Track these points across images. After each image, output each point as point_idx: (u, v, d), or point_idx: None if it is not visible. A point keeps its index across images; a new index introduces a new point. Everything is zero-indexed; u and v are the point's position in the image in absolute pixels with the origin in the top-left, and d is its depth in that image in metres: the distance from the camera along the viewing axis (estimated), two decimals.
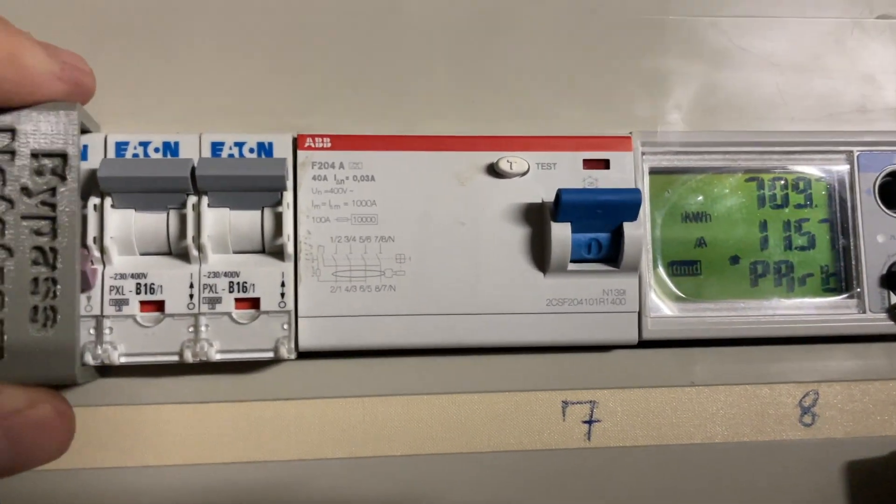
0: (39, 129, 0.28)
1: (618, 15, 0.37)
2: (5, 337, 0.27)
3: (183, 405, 0.33)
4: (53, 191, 0.28)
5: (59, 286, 0.28)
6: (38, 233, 0.28)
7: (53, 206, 0.28)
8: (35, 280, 0.28)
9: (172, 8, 0.35)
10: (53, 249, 0.28)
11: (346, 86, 0.35)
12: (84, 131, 0.31)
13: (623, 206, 0.33)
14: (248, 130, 0.33)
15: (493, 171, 0.34)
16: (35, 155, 0.28)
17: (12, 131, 0.28)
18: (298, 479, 0.33)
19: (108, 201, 0.31)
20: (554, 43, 0.36)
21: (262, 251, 0.32)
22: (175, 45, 0.34)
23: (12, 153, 0.28)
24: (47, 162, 0.28)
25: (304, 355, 0.33)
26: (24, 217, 0.28)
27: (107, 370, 0.32)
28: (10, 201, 0.28)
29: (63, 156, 0.28)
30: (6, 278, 0.28)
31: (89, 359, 0.30)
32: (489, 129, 0.35)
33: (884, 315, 0.35)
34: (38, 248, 0.28)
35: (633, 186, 0.34)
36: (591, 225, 0.33)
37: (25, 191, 0.28)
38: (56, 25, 0.34)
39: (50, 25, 0.34)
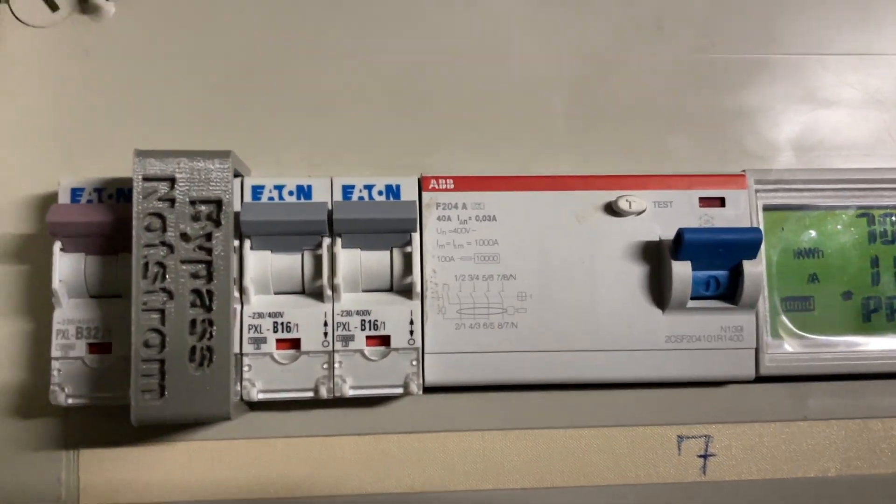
0: (196, 178, 0.29)
1: (726, 54, 0.37)
2: (166, 376, 0.29)
3: (313, 438, 0.34)
4: (209, 235, 0.29)
5: (214, 327, 0.29)
6: (196, 276, 0.29)
7: (209, 251, 0.29)
8: (193, 322, 0.29)
9: (299, 56, 0.36)
10: (210, 292, 0.29)
11: (465, 126, 0.36)
12: (236, 175, 0.32)
13: (744, 244, 0.33)
14: (371, 172, 0.34)
15: (611, 209, 0.34)
16: (193, 202, 0.29)
17: (171, 180, 0.29)
18: None
19: (247, 244, 0.32)
20: (664, 82, 0.37)
21: (391, 290, 0.33)
22: (302, 92, 0.36)
23: (172, 201, 0.29)
24: (203, 208, 0.29)
25: (428, 390, 0.34)
26: (183, 262, 0.29)
27: (251, 406, 0.34)
28: (171, 246, 0.29)
29: (218, 202, 0.29)
30: (167, 320, 0.29)
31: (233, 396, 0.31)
32: (604, 167, 0.36)
33: None
34: (196, 291, 0.29)
35: (748, 224, 0.35)
36: (710, 263, 0.34)
37: (184, 236, 0.29)
38: (192, 75, 0.36)
39: (186, 76, 0.35)
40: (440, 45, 0.37)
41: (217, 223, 0.29)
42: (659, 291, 0.34)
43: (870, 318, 0.36)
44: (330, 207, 0.32)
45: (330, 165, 0.35)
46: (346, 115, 0.36)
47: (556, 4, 0.37)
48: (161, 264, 0.29)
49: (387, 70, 0.36)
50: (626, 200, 0.34)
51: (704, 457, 0.36)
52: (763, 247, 0.35)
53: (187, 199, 0.29)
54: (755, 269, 0.33)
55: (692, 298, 0.34)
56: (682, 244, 0.33)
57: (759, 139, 0.37)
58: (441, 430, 0.35)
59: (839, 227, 0.36)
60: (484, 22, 0.37)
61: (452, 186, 0.34)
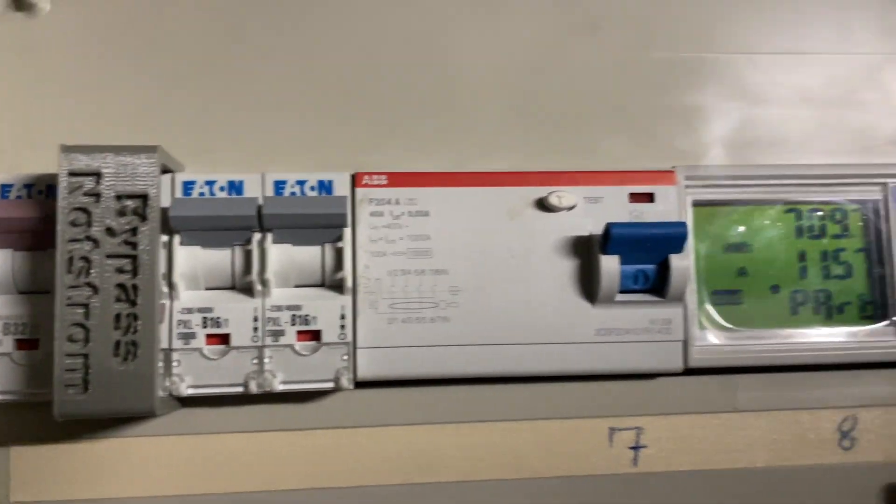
0: (122, 172, 0.29)
1: (660, 53, 0.38)
2: (90, 371, 0.29)
3: (247, 434, 0.34)
4: (135, 230, 0.29)
5: (139, 321, 0.29)
6: (121, 271, 0.29)
7: (135, 245, 0.29)
8: (118, 316, 0.29)
9: (235, 54, 0.36)
10: (135, 286, 0.29)
11: (401, 125, 0.36)
12: (166, 171, 0.32)
13: (670, 238, 0.34)
14: (307, 169, 0.35)
15: (543, 205, 0.35)
16: (119, 197, 0.29)
17: (97, 175, 0.29)
18: None
19: (176, 239, 0.32)
20: (599, 81, 0.38)
21: (323, 285, 0.34)
22: (239, 88, 0.36)
23: (97, 196, 0.29)
24: (129, 203, 0.29)
25: (360, 384, 0.34)
26: (108, 256, 0.29)
27: (181, 401, 0.34)
28: (96, 241, 0.29)
29: (144, 197, 0.29)
30: (91, 315, 0.29)
31: (158, 391, 0.31)
32: (538, 164, 0.36)
33: None
34: (121, 286, 0.29)
35: (677, 219, 0.35)
36: (638, 257, 0.34)
37: (110, 231, 0.29)
38: (129, 73, 0.36)
39: (123, 74, 0.35)
40: (376, 42, 0.37)
41: (143, 218, 0.29)
42: (589, 285, 0.35)
43: (797, 311, 0.37)
44: (260, 203, 0.32)
45: (266, 163, 0.35)
46: (282, 112, 0.36)
47: (493, 4, 0.38)
48: (86, 259, 0.29)
49: (323, 67, 0.36)
50: (557, 196, 0.35)
51: (636, 448, 0.36)
52: (692, 241, 0.36)
53: (113, 194, 0.29)
54: (682, 264, 0.34)
55: (621, 292, 0.35)
56: (609, 239, 0.33)
57: (692, 137, 0.38)
58: (374, 425, 0.35)
59: (767, 222, 0.37)
60: (420, 20, 0.37)
61: (386, 182, 0.35)
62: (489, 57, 0.37)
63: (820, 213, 0.37)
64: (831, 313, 0.37)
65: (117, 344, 0.29)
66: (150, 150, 0.30)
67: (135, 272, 0.29)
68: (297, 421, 0.35)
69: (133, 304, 0.29)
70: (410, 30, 0.37)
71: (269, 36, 0.37)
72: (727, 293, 0.37)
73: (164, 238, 0.32)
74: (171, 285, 0.32)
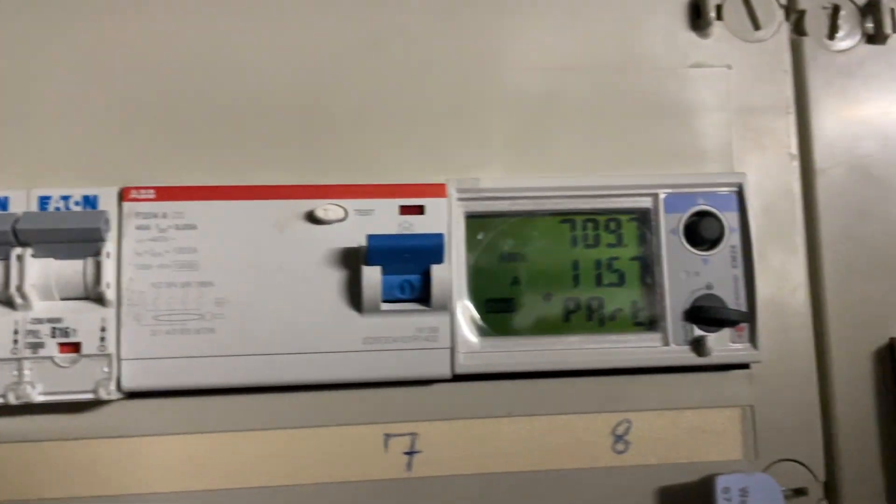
0: None
1: (441, 70, 0.39)
2: None
3: (19, 444, 0.35)
4: None
5: None
6: None
7: None
8: None
9: (8, 70, 0.37)
10: None
11: (175, 139, 0.37)
12: None
13: (428, 249, 0.35)
14: (83, 185, 0.35)
15: (312, 217, 0.36)
16: None
17: None
18: None
19: None
20: (381, 96, 0.39)
21: (87, 298, 0.34)
22: (5, 103, 0.37)
23: None
24: None
25: (138, 395, 0.35)
26: None
27: None
28: None
29: None
30: None
31: None
32: (317, 179, 0.37)
33: (686, 347, 0.37)
34: None
35: (445, 230, 0.36)
36: (401, 268, 0.35)
37: None
38: None
39: None
40: (150, 56, 0.38)
41: None
42: (357, 296, 0.36)
43: (569, 318, 0.38)
44: (18, 218, 0.33)
45: (35, 178, 0.36)
46: (53, 128, 0.37)
47: (274, 18, 0.39)
48: None
49: (96, 81, 0.37)
50: (323, 209, 0.36)
51: (410, 454, 0.37)
52: (462, 252, 0.37)
53: None
54: (442, 273, 0.35)
55: (388, 301, 0.36)
56: (369, 250, 0.34)
57: (470, 151, 0.39)
58: (146, 434, 0.36)
59: (541, 232, 0.38)
60: (195, 34, 0.38)
61: (153, 196, 0.35)
62: (269, 71, 0.38)
63: (594, 224, 0.38)
64: (604, 320, 0.38)
65: None
66: None
67: None
68: (73, 431, 0.35)
69: None
70: (184, 43, 0.38)
71: (36, 50, 0.37)
72: (500, 301, 0.38)
73: None
74: None
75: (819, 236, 0.40)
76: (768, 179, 0.40)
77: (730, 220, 0.38)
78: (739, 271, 0.38)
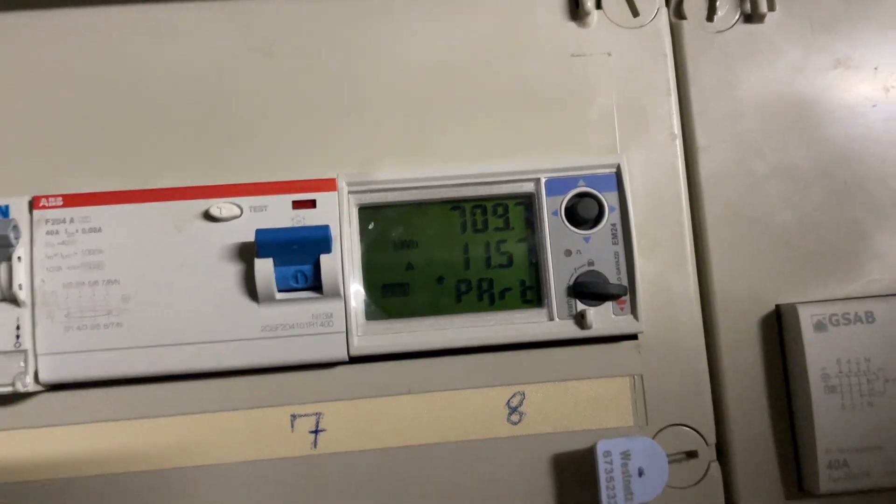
0: None
1: (331, 73, 0.41)
2: None
3: None
4: None
5: None
6: None
7: None
8: None
9: None
10: None
11: (79, 149, 0.40)
12: None
13: (315, 240, 0.37)
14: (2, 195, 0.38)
15: (208, 216, 0.39)
16: None
17: None
18: (51, 495, 0.38)
19: None
20: (274, 100, 0.41)
21: (3, 300, 0.37)
22: None
23: None
24: None
25: (57, 388, 0.38)
26: None
27: None
28: None
29: None
30: None
31: None
32: (215, 179, 0.40)
33: (570, 321, 0.40)
34: None
35: (338, 223, 0.39)
36: (293, 259, 0.38)
37: None
38: None
39: None
40: (54, 71, 0.40)
41: None
42: (254, 287, 0.38)
43: (461, 299, 0.40)
44: None
45: None
46: None
47: (168, 29, 0.41)
48: None
49: (4, 97, 0.40)
50: (217, 207, 0.38)
51: (315, 432, 0.40)
52: (355, 241, 0.40)
53: None
54: (332, 262, 0.38)
55: (283, 291, 0.38)
56: (257, 244, 0.37)
57: (361, 146, 0.41)
58: (65, 424, 0.39)
59: (432, 220, 0.40)
60: (96, 42, 0.41)
61: (61, 203, 0.38)
62: (166, 79, 0.41)
63: (482, 209, 0.41)
64: (494, 299, 0.40)
65: None
66: None
67: None
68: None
69: None
70: (86, 57, 0.41)
71: None
72: (396, 286, 0.40)
73: None
74: None
75: (703, 212, 0.42)
76: (652, 160, 0.42)
77: (610, 199, 0.40)
78: (620, 248, 0.40)
